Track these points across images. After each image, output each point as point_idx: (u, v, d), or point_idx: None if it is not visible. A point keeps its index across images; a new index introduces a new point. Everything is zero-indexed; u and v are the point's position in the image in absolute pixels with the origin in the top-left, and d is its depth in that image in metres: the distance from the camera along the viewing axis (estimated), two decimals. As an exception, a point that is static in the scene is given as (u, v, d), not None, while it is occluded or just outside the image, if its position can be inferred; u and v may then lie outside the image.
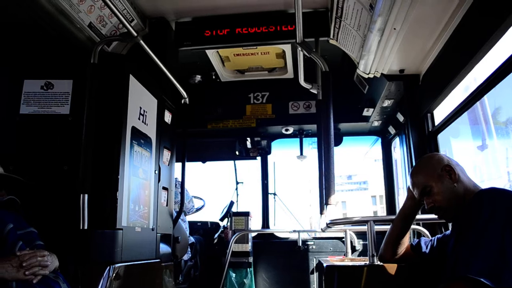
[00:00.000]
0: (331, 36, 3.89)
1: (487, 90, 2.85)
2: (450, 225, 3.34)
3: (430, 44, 3.38)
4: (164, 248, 3.70)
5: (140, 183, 3.20)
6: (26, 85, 3.05)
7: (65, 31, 3.34)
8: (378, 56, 3.42)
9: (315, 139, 6.36)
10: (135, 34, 3.05)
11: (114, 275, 2.72)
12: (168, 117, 3.89)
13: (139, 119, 3.21)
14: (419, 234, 3.82)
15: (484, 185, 2.32)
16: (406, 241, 2.67)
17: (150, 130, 3.41)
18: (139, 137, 3.20)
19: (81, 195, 2.61)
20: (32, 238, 2.46)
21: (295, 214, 6.94)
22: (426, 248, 2.63)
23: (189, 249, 4.97)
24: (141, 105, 3.25)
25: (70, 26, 3.33)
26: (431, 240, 2.69)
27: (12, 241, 2.33)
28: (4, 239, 2.32)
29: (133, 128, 3.09)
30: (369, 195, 47.88)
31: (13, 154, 2.93)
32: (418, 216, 2.69)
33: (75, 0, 3.18)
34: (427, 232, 3.67)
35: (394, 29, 3.00)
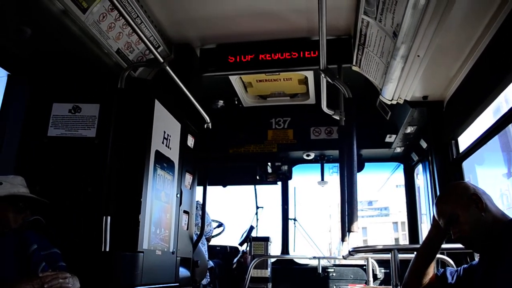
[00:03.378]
0: (354, 63, 3.91)
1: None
2: (476, 255, 3.26)
3: (455, 71, 3.37)
4: (183, 272, 3.68)
5: (162, 206, 3.22)
6: (55, 108, 3.14)
7: (94, 56, 3.44)
8: (401, 82, 3.41)
9: (335, 164, 6.35)
10: (161, 60, 3.13)
11: (134, 298, 2.72)
12: (191, 141, 3.93)
13: (163, 143, 3.25)
14: (443, 264, 3.73)
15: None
16: (431, 271, 2.60)
17: (173, 154, 3.45)
18: (163, 161, 3.24)
19: (104, 217, 2.64)
20: (55, 259, 2.50)
21: (315, 240, 6.86)
22: (452, 279, 2.55)
23: (208, 273, 4.94)
24: (165, 129, 3.30)
25: (98, 52, 3.43)
26: (457, 270, 2.61)
27: (35, 262, 2.37)
28: (28, 259, 2.35)
29: (157, 152, 3.14)
30: (390, 221, 46.99)
31: (40, 175, 2.99)
32: (443, 246, 2.62)
33: (104, 27, 3.28)
34: (452, 262, 3.58)
35: (418, 56, 3.00)
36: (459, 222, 2.24)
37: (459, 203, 2.26)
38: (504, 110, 2.90)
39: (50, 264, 2.42)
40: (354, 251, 3.05)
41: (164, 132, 3.29)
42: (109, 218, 2.65)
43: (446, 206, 2.34)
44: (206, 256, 4.84)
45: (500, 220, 2.19)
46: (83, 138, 3.06)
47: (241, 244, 6.14)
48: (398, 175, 6.49)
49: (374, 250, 3.44)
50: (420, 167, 5.20)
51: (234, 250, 6.30)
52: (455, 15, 2.62)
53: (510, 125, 3.08)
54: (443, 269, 2.67)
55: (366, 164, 5.83)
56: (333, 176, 6.79)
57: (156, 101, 3.16)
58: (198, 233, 4.16)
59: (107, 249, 2.63)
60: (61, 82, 3.29)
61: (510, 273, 1.87)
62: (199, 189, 4.30)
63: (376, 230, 45.26)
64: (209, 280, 5.06)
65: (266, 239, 5.59)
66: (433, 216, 2.51)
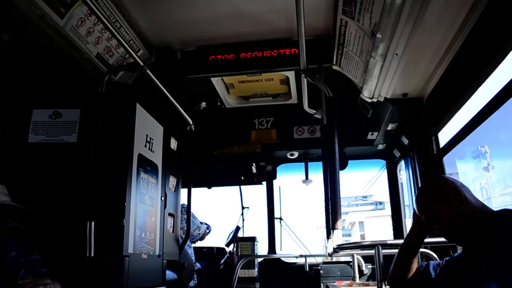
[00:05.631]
0: (334, 62, 3.95)
1: (491, 112, 2.86)
2: (459, 247, 3.31)
3: (432, 68, 3.42)
4: (170, 275, 3.67)
5: (147, 210, 3.21)
6: (35, 114, 3.11)
7: (73, 61, 3.41)
8: (381, 81, 3.46)
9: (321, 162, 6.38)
10: (141, 64, 3.12)
11: (120, 303, 2.71)
12: (174, 144, 3.93)
13: (145, 146, 3.24)
14: (427, 257, 3.78)
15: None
16: (414, 266, 2.62)
17: (156, 157, 3.44)
18: (146, 164, 3.23)
19: (88, 222, 2.63)
20: (35, 265, 2.48)
21: (303, 238, 6.89)
22: (435, 273, 2.58)
23: (195, 275, 4.93)
24: (148, 133, 3.29)
25: (78, 56, 3.40)
26: (439, 264, 2.64)
27: (14, 269, 2.35)
28: (6, 266, 2.33)
29: (140, 156, 3.12)
30: (387, 214, 47.15)
31: (22, 182, 2.96)
32: (427, 240, 2.64)
33: (83, 32, 3.25)
34: (435, 255, 3.62)
35: (396, 54, 3.04)
36: (441, 218, 2.26)
37: (439, 198, 2.28)
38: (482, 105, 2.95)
39: (31, 271, 2.40)
40: (339, 248, 3.07)
41: (147, 135, 3.28)
42: (93, 223, 2.63)
43: (426, 202, 2.36)
44: (193, 258, 4.83)
45: (480, 211, 2.21)
46: (65, 143, 3.04)
47: (227, 245, 6.15)
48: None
49: (358, 246, 3.48)
50: (402, 163, 5.26)
51: (221, 251, 6.31)
52: (431, 14, 2.66)
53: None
54: (426, 263, 2.70)
55: (356, 161, 5.89)
56: (321, 172, 6.81)
57: (138, 105, 3.14)
58: (184, 236, 4.15)
59: (92, 255, 2.61)
60: (40, 88, 3.26)
61: (497, 271, 1.90)
62: (184, 192, 4.30)
63: (373, 224, 45.32)
64: (196, 282, 5.06)
65: (252, 239, 5.60)
66: (414, 212, 2.54)
